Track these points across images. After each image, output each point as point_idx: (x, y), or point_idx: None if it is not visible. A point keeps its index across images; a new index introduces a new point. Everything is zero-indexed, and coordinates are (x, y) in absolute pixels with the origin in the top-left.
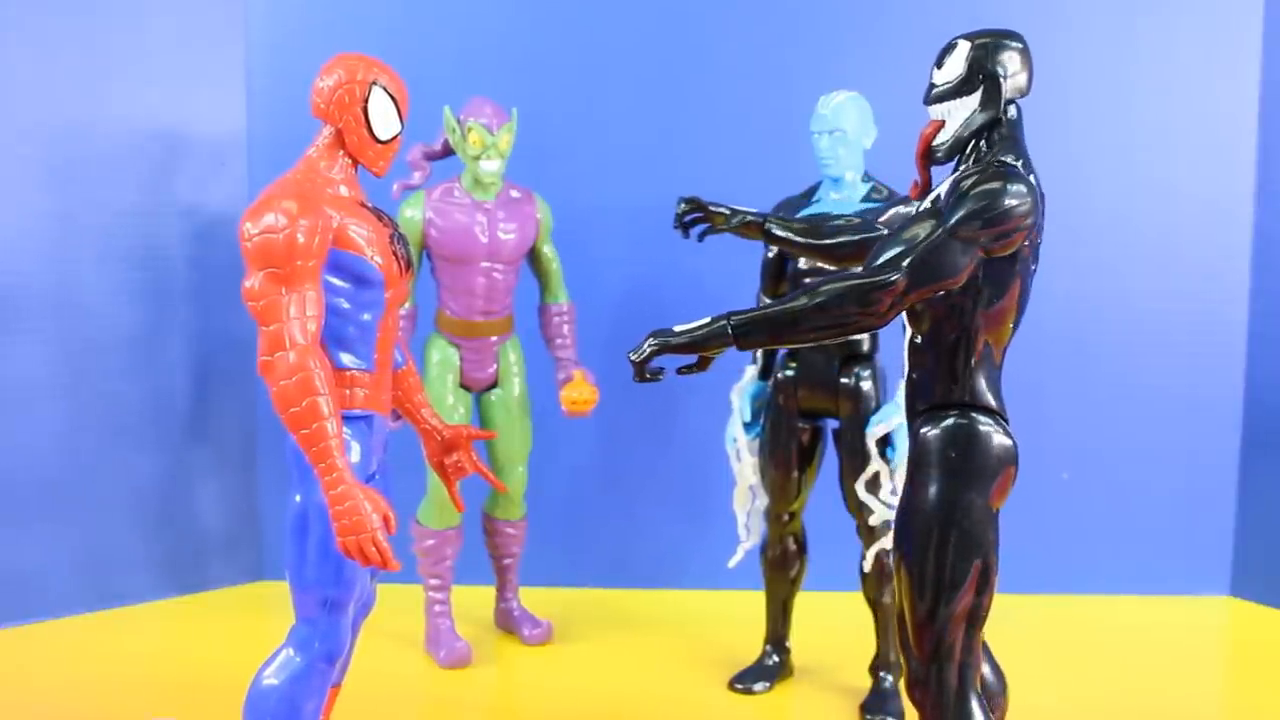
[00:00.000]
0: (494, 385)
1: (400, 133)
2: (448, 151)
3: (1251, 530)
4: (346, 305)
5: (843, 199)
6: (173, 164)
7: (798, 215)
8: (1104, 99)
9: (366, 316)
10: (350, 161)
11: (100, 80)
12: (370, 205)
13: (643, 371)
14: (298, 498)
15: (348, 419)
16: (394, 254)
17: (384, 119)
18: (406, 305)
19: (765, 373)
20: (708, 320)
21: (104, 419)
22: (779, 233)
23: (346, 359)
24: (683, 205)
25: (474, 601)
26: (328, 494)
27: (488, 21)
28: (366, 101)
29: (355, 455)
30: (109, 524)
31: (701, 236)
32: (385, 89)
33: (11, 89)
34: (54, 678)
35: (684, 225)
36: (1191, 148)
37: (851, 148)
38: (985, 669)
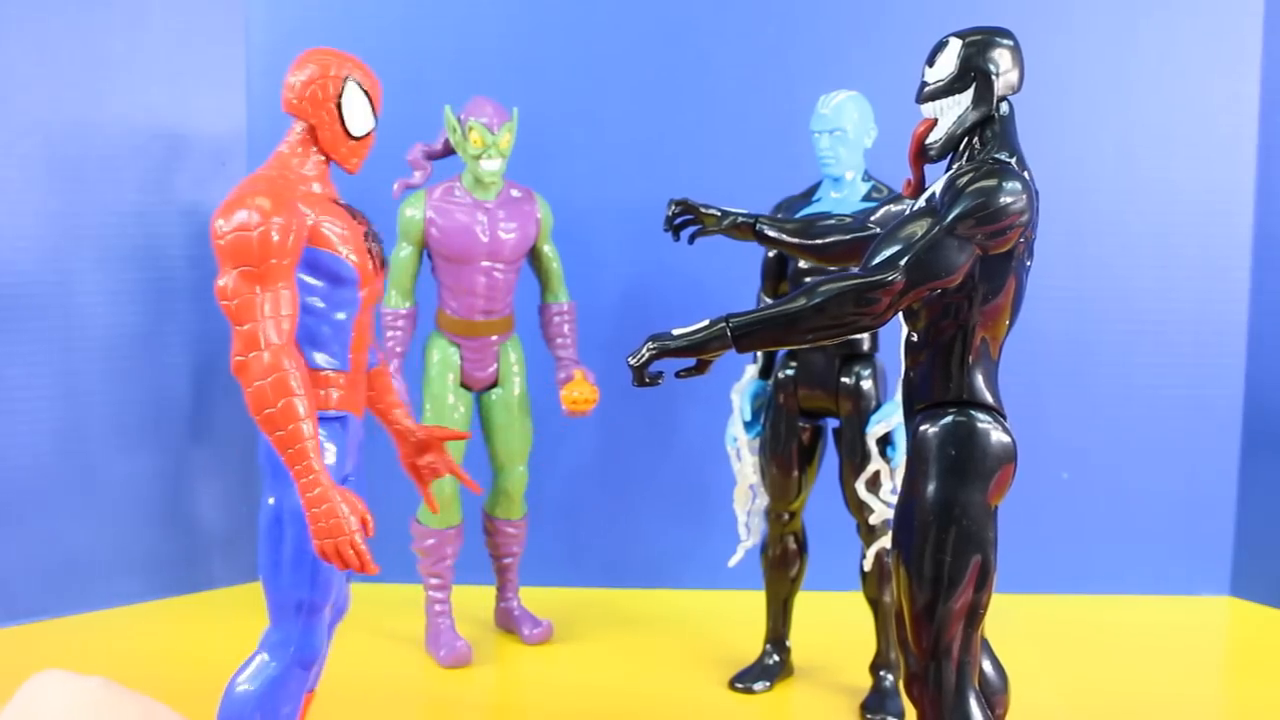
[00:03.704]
0: (494, 385)
1: (374, 129)
2: (448, 151)
3: (1251, 530)
4: (321, 304)
5: (843, 198)
6: (173, 164)
7: (798, 214)
8: (1104, 99)
9: (341, 315)
10: (323, 158)
11: (101, 80)
12: (343, 202)
13: (642, 376)
14: (271, 500)
15: (322, 420)
16: (368, 251)
17: (358, 115)
18: (407, 305)
19: (765, 372)
20: (706, 323)
21: (104, 419)
22: (770, 233)
23: (320, 359)
24: (673, 207)
25: (474, 601)
26: (304, 496)
27: (488, 21)
28: (340, 97)
29: (330, 457)
30: (108, 524)
31: (692, 238)
32: (359, 84)
33: (12, 88)
34: None
35: (674, 227)
36: (1191, 148)
37: (852, 147)
38: (987, 667)
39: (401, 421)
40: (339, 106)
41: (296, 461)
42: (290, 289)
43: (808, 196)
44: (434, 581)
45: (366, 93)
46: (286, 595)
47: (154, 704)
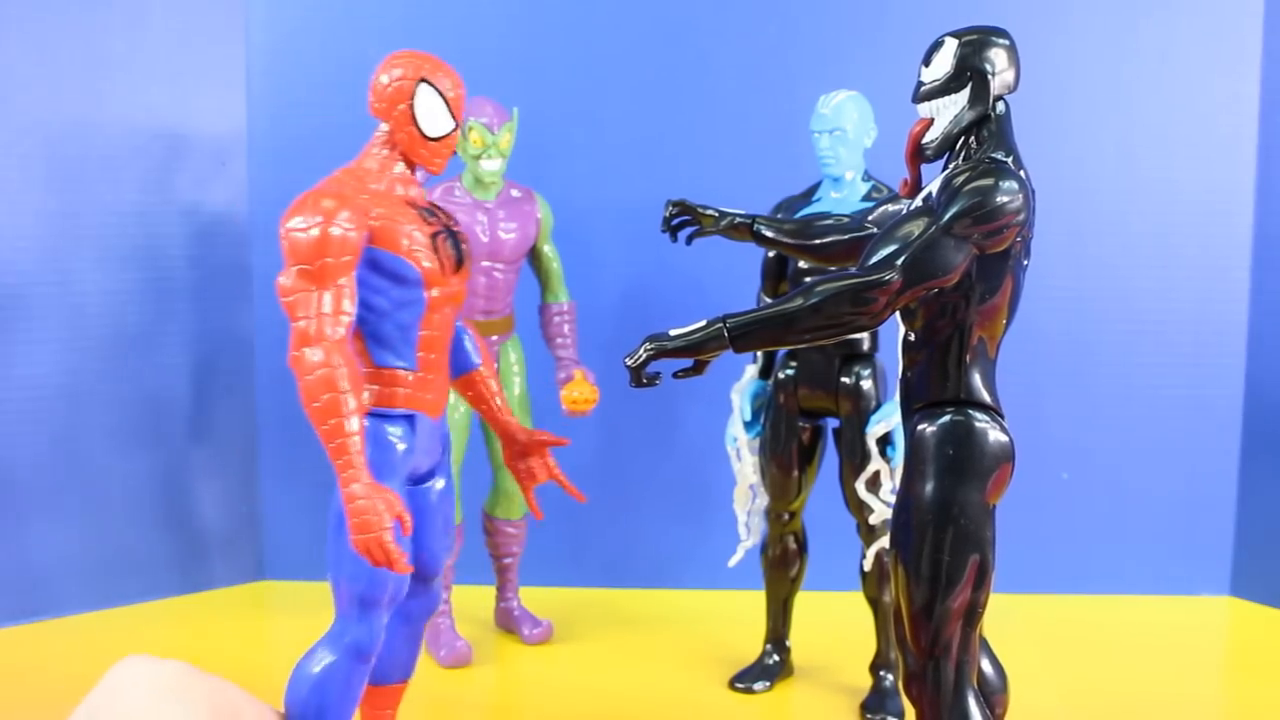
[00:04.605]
0: None
1: (454, 130)
2: None
3: (1251, 530)
4: (385, 304)
5: (843, 198)
6: (173, 164)
7: (798, 214)
8: (1104, 99)
9: (406, 315)
10: (402, 159)
11: (101, 79)
12: (422, 203)
13: (639, 376)
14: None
15: (389, 417)
16: (437, 252)
17: (431, 116)
18: None
19: (765, 372)
20: (703, 323)
21: (104, 419)
22: (767, 234)
23: (388, 357)
24: (670, 208)
25: (474, 601)
26: (343, 491)
27: (488, 21)
28: (412, 99)
29: (394, 454)
30: (109, 523)
31: (690, 239)
32: (434, 86)
33: (12, 88)
34: (55, 677)
35: (672, 228)
36: (1191, 148)
37: (852, 147)
38: (986, 666)
39: (507, 424)
40: (412, 109)
41: (338, 456)
42: (349, 287)
43: (808, 196)
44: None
45: (443, 94)
46: (346, 588)
47: (227, 684)
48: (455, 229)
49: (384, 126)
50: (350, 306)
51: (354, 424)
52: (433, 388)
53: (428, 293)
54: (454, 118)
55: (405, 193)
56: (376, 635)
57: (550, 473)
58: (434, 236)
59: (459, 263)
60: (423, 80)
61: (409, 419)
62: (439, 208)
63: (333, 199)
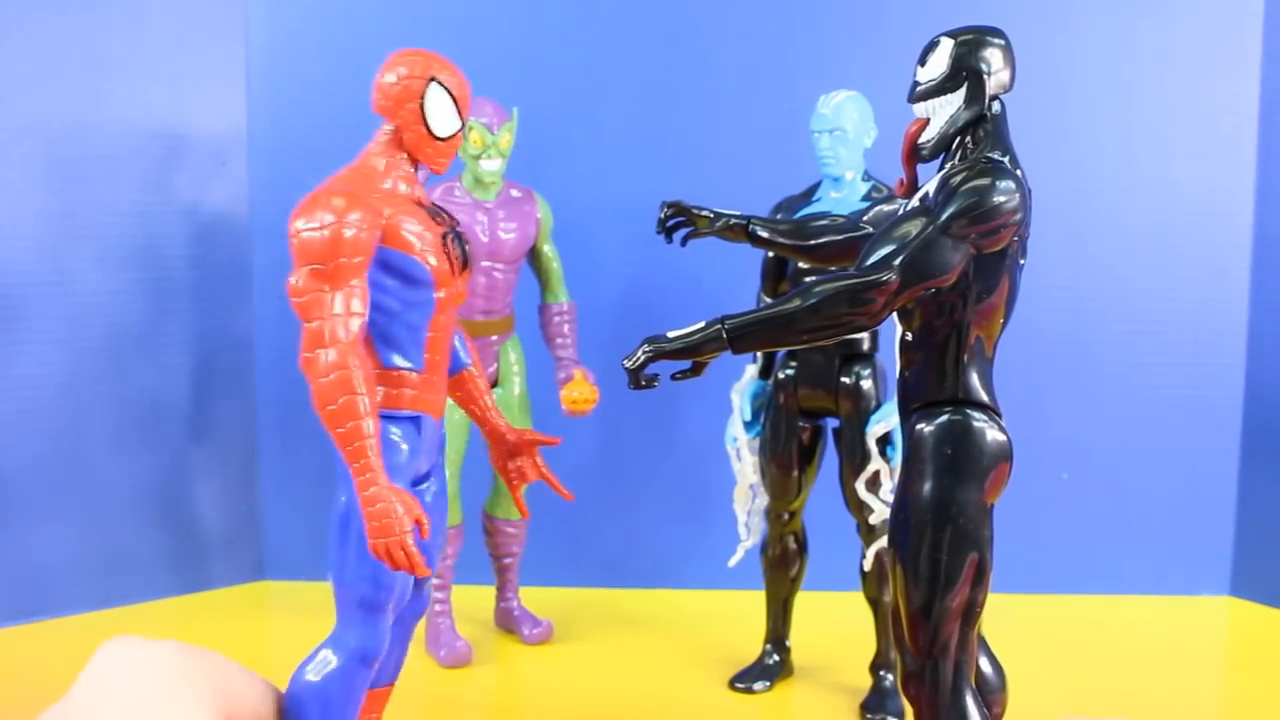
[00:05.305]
0: (494, 385)
1: (461, 130)
2: None
3: (1251, 530)
4: (395, 304)
5: (843, 198)
6: (173, 164)
7: (798, 214)
8: (1104, 99)
9: (415, 316)
10: (408, 159)
11: (100, 79)
12: (428, 203)
13: (638, 378)
14: (343, 497)
15: (395, 419)
16: (446, 253)
17: (441, 116)
18: None
19: (765, 372)
20: (701, 325)
21: (104, 419)
22: (762, 234)
23: (396, 358)
24: (665, 210)
25: (474, 601)
26: (360, 495)
27: (488, 21)
28: (423, 98)
29: (402, 456)
30: (109, 524)
31: (685, 240)
32: (444, 85)
33: (11, 88)
34: (55, 677)
35: (667, 230)
36: (1191, 148)
37: (851, 147)
38: (985, 666)
39: (495, 424)
40: (422, 107)
41: (355, 459)
42: (361, 288)
43: (807, 196)
44: (434, 581)
45: (451, 94)
46: (350, 592)
47: (226, 661)
48: (460, 229)
49: (389, 125)
50: (363, 307)
51: (370, 426)
52: (437, 389)
53: (437, 293)
54: (461, 117)
55: (411, 192)
56: (382, 639)
57: (539, 472)
58: (444, 237)
59: (465, 263)
60: (433, 79)
61: (415, 420)
62: (442, 208)
63: (344, 198)
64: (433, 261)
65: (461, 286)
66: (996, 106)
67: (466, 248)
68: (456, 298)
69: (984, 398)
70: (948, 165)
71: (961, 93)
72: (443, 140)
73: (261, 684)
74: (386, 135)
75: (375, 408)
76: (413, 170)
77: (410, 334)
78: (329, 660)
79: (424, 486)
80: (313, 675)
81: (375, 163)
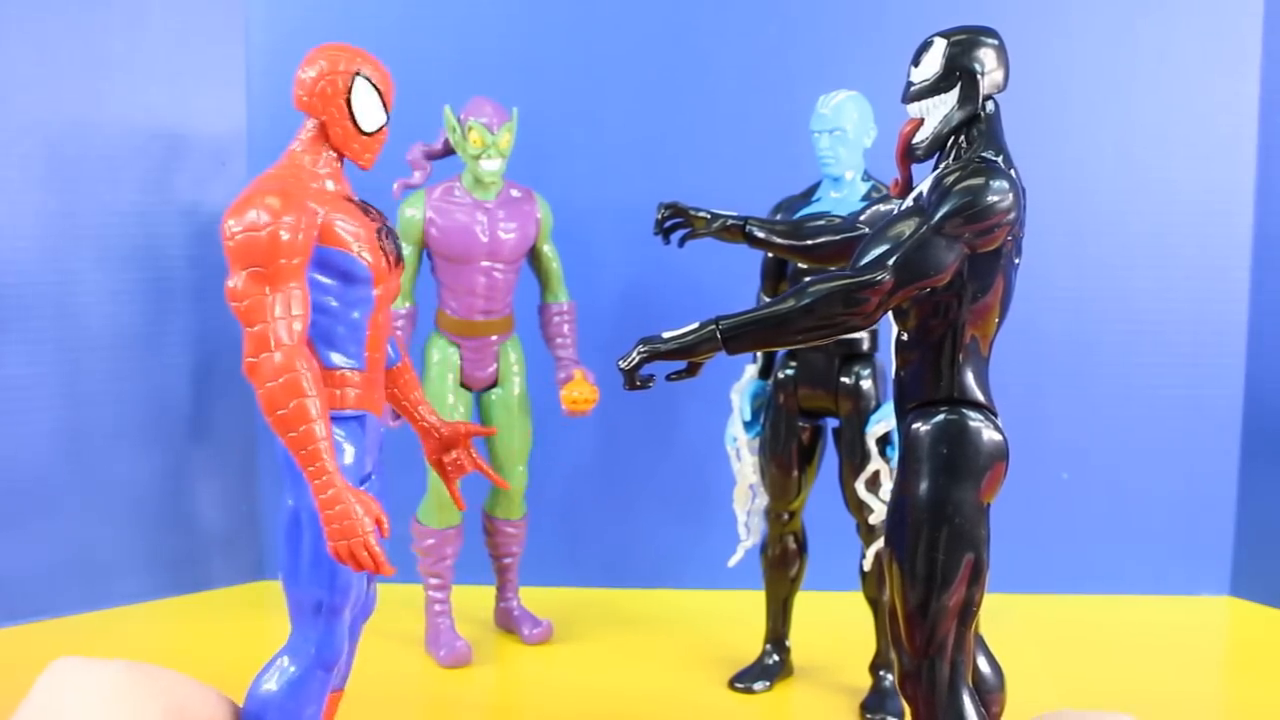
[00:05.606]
0: (494, 385)
1: (386, 124)
2: (448, 151)
3: (1251, 530)
4: (334, 303)
5: (843, 198)
6: (173, 164)
7: (797, 214)
8: (1103, 99)
9: (355, 314)
10: (335, 155)
11: (100, 79)
12: (357, 200)
13: (633, 379)
14: (290, 501)
15: (340, 420)
16: (382, 249)
17: (368, 110)
18: (407, 304)
19: (765, 372)
20: (696, 325)
21: (104, 419)
22: (759, 235)
23: (337, 358)
24: (663, 211)
25: (474, 601)
26: (318, 498)
27: (488, 21)
28: (349, 93)
29: (348, 457)
30: (109, 524)
31: (682, 241)
32: (369, 79)
33: (11, 88)
34: None
35: (664, 231)
36: (1191, 148)
37: (851, 147)
38: (983, 665)
39: (426, 418)
40: (349, 102)
41: (310, 463)
42: (301, 289)
43: (807, 196)
44: (434, 581)
45: (377, 88)
46: (306, 596)
47: (177, 678)
48: (391, 225)
49: (312, 121)
50: (304, 309)
51: (323, 429)
52: (378, 386)
53: (375, 290)
54: (386, 110)
55: (340, 188)
56: (341, 642)
57: (475, 463)
58: (378, 233)
59: (399, 259)
60: (358, 74)
61: (359, 420)
62: (370, 204)
63: (279, 197)
64: (369, 258)
65: (395, 282)
66: (990, 106)
67: (399, 243)
68: (392, 294)
69: (980, 397)
70: (942, 165)
71: (955, 93)
72: (369, 135)
73: (217, 698)
74: (311, 132)
75: (326, 409)
76: (340, 166)
77: (351, 332)
78: (287, 668)
79: (366, 485)
80: (272, 685)
81: (303, 159)
